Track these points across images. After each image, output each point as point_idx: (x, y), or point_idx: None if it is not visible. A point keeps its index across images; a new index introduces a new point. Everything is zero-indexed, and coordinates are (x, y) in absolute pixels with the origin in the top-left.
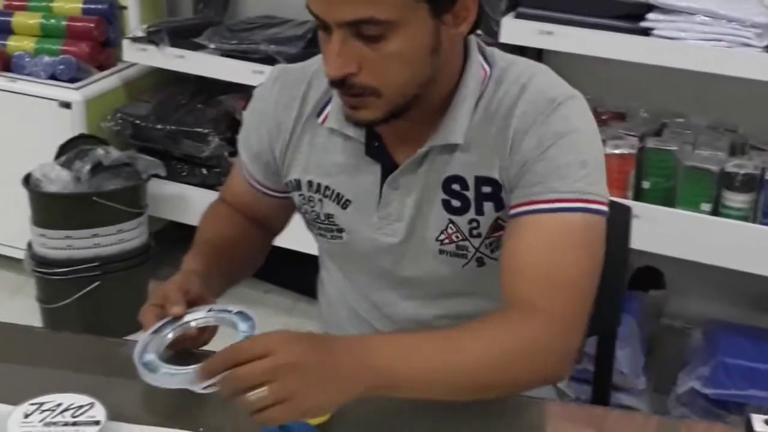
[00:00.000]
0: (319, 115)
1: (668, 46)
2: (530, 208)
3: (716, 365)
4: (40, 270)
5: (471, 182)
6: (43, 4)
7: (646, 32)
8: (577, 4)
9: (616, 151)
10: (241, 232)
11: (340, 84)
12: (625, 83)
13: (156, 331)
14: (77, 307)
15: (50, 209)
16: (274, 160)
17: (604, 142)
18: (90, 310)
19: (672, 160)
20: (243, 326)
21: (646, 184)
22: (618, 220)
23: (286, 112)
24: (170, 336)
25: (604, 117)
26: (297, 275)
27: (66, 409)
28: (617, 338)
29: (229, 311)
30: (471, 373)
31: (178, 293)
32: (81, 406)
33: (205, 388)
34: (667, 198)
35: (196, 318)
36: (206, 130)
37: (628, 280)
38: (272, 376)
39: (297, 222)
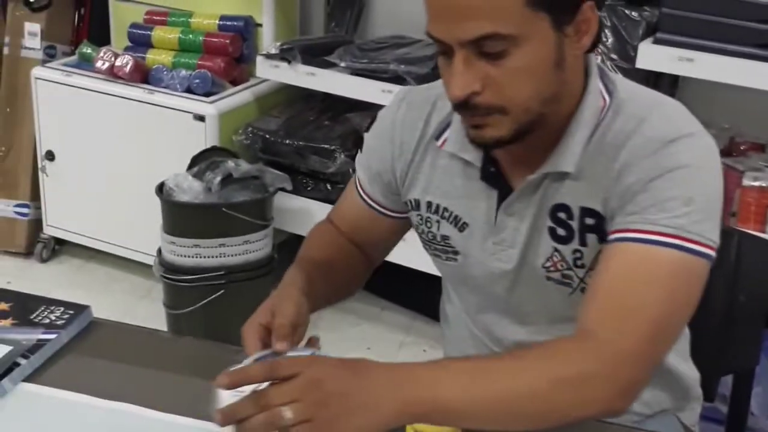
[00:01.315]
0: (438, 138)
1: None
2: (623, 236)
3: None
4: (168, 276)
5: (576, 212)
6: (182, 19)
7: None
8: (719, 30)
9: (755, 184)
10: (344, 256)
11: (464, 105)
12: (766, 113)
13: (258, 360)
14: (202, 314)
15: (181, 218)
16: (395, 180)
17: (742, 173)
18: (213, 317)
19: None
20: None
21: None
22: (758, 257)
23: (410, 133)
24: None
25: (742, 147)
26: (414, 293)
27: None
28: None
29: None
30: (513, 402)
31: (288, 328)
32: None
33: None
34: None
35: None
36: (333, 147)
37: None
38: (298, 396)
39: (414, 240)
